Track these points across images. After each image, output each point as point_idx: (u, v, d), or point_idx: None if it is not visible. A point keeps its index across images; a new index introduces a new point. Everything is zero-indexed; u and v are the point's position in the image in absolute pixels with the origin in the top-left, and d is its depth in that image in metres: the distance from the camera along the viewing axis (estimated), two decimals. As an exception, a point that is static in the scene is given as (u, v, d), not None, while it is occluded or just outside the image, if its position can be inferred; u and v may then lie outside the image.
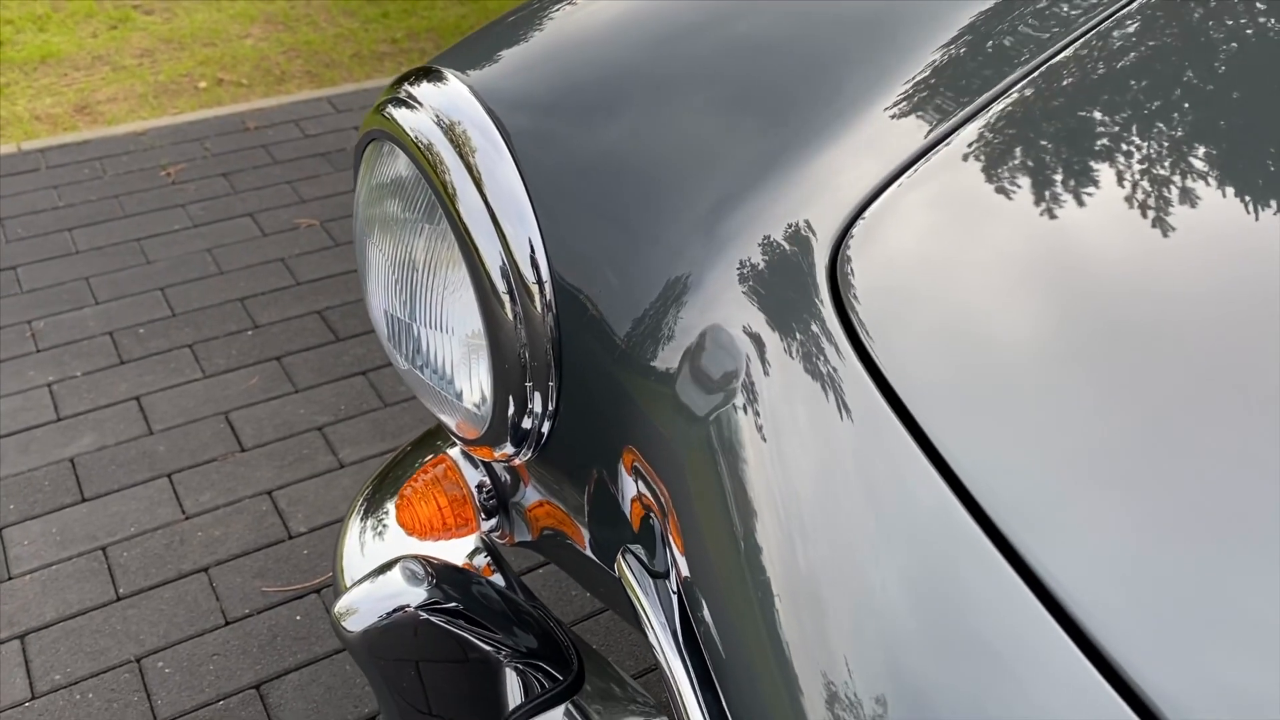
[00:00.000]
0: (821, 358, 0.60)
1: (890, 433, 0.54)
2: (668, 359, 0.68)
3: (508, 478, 0.95)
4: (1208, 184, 0.62)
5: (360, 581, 0.78)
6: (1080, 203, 0.62)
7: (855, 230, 0.65)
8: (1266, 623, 0.42)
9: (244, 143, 2.90)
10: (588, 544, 0.84)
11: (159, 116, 3.08)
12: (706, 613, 0.59)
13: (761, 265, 0.67)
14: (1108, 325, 0.55)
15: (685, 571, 0.61)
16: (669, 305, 0.69)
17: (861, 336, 0.59)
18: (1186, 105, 0.68)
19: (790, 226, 0.67)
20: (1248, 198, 0.60)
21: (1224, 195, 0.61)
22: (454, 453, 0.97)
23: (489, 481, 0.95)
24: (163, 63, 3.45)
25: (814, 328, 0.62)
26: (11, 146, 2.88)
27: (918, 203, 0.67)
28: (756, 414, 0.61)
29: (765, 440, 0.60)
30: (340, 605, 0.77)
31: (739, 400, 0.63)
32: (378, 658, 0.78)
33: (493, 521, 0.95)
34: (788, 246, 0.66)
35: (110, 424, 1.90)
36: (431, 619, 0.78)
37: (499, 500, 0.95)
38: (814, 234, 0.66)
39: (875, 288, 0.63)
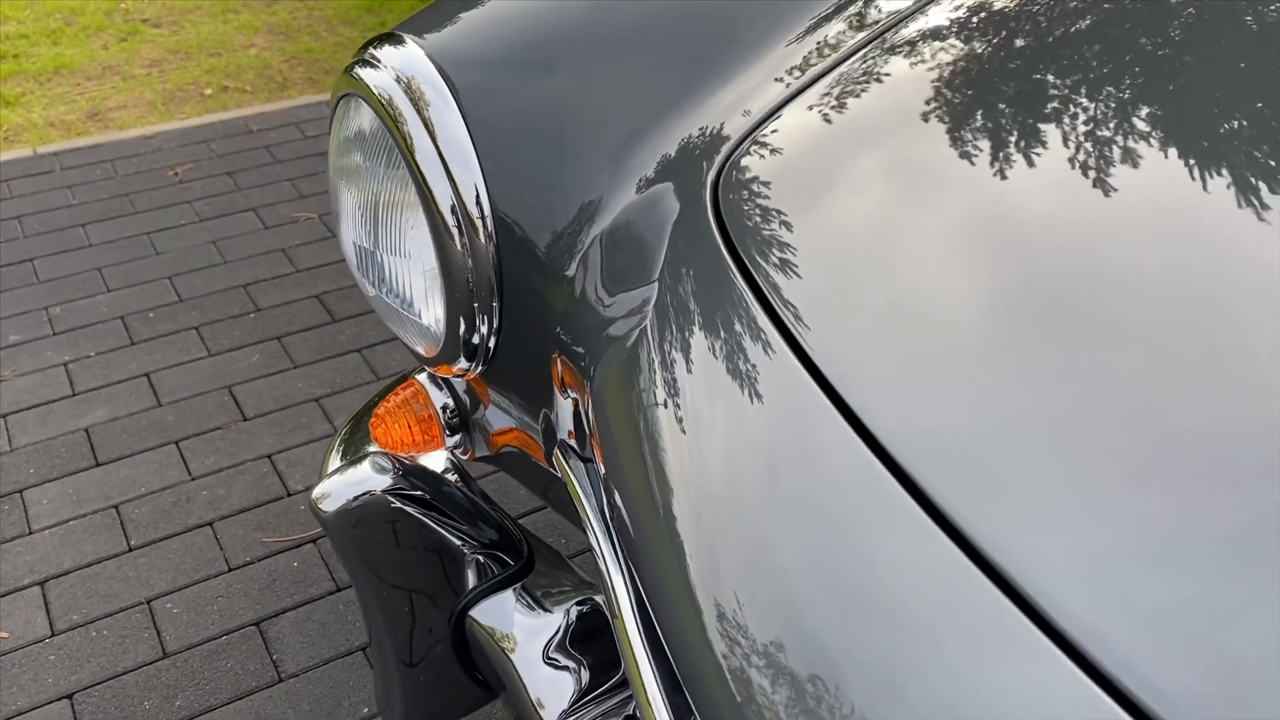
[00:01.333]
0: (703, 266, 0.73)
1: (761, 331, 0.64)
2: (579, 273, 0.82)
3: (468, 400, 1.08)
4: (1079, 109, 0.74)
5: (335, 471, 0.92)
6: (947, 132, 0.74)
7: (736, 157, 0.79)
8: (1176, 553, 0.44)
9: (247, 144, 3.05)
10: (542, 453, 0.97)
11: (167, 121, 3.23)
12: (619, 500, 0.69)
13: (658, 187, 0.80)
14: (977, 240, 0.66)
15: (602, 469, 0.73)
16: (581, 225, 0.82)
17: (738, 246, 0.72)
18: (1075, 52, 0.81)
19: (683, 154, 0.81)
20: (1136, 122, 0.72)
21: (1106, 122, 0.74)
22: (422, 377, 1.10)
23: (453, 403, 1.08)
24: (170, 72, 3.61)
25: (699, 241, 0.75)
26: (27, 150, 3.04)
27: (790, 135, 0.80)
28: (650, 322, 0.74)
29: (657, 345, 0.72)
30: (317, 490, 0.90)
31: (636, 308, 0.75)
32: (350, 539, 0.91)
33: (456, 438, 1.08)
34: (680, 170, 0.80)
35: (122, 398, 2.04)
36: (396, 503, 0.91)
37: (461, 419, 1.08)
38: (703, 159, 0.80)
39: (750, 204, 0.76)
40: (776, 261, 0.71)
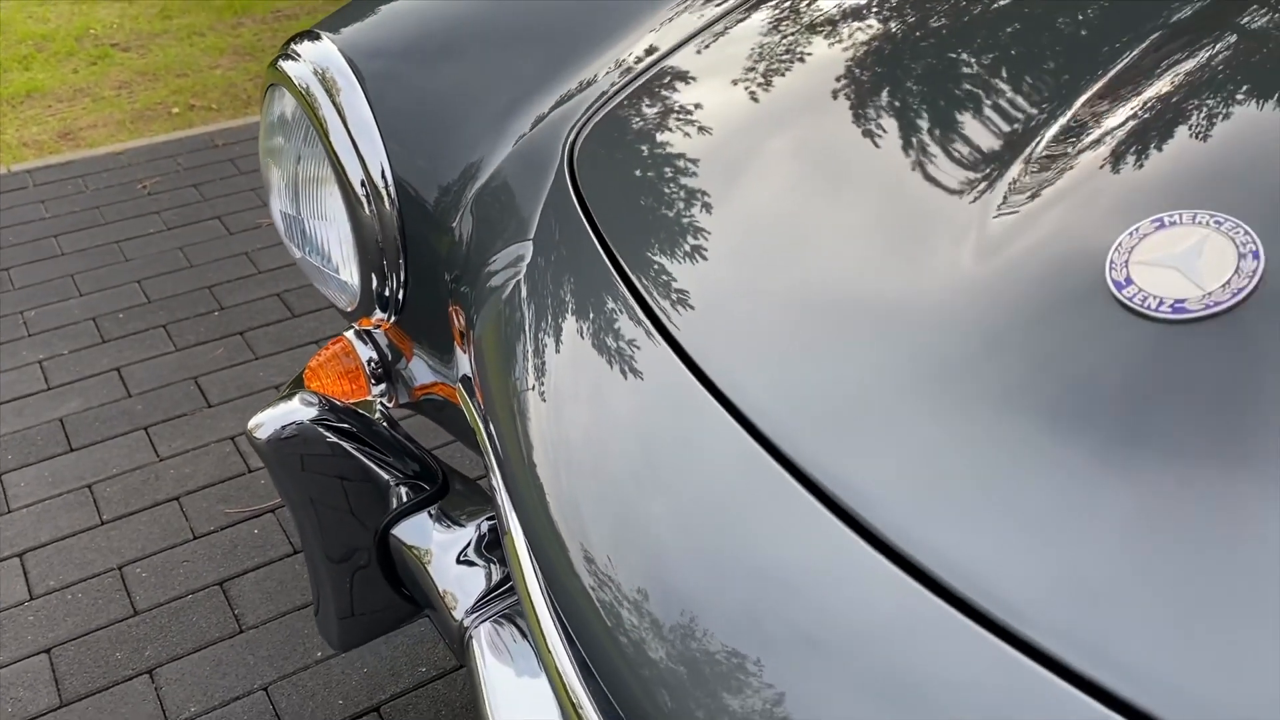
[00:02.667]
0: (560, 216, 0.89)
1: (599, 269, 0.78)
2: (460, 229, 0.97)
3: (391, 354, 1.23)
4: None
5: (269, 406, 1.06)
6: (805, 99, 0.86)
7: (591, 122, 0.94)
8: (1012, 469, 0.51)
9: (213, 158, 3.20)
10: (455, 397, 1.12)
11: (136, 139, 3.38)
12: (497, 436, 0.83)
13: (527, 149, 0.96)
14: (791, 190, 0.81)
15: (483, 409, 0.87)
16: (465, 184, 0.98)
17: (589, 201, 0.87)
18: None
19: (551, 119, 0.97)
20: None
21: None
22: (349, 334, 1.25)
23: (376, 356, 1.23)
24: (139, 93, 3.76)
25: (557, 196, 0.90)
26: (1, 169, 3.17)
27: (650, 94, 0.95)
28: (516, 270, 0.89)
29: (519, 292, 0.85)
30: (251, 422, 1.05)
31: (507, 260, 0.90)
32: (282, 466, 1.06)
33: (381, 387, 1.23)
34: (547, 133, 0.96)
35: (94, 390, 2.18)
36: (323, 433, 1.05)
37: (385, 370, 1.23)
38: (564, 124, 0.95)
39: (602, 162, 0.91)
40: (623, 213, 0.86)
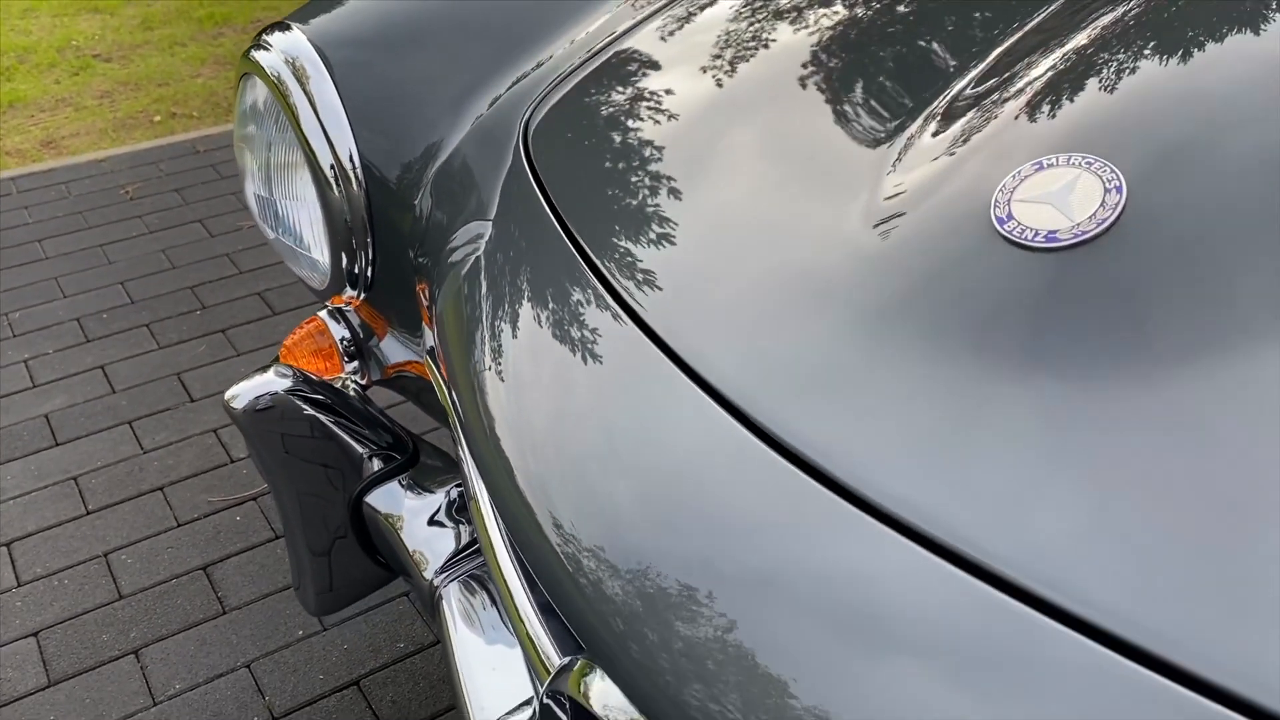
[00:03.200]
0: (516, 192, 0.94)
1: (553, 240, 0.84)
2: (422, 207, 1.03)
3: (364, 332, 1.28)
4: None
5: (244, 378, 1.12)
6: (750, 75, 0.93)
7: (547, 101, 1.00)
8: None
9: (194, 164, 3.25)
10: (425, 373, 1.17)
11: (118, 146, 3.42)
12: (460, 407, 0.88)
13: (485, 127, 1.02)
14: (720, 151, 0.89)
15: (446, 379, 0.92)
16: (427, 165, 1.04)
17: (540, 172, 0.93)
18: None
19: (508, 98, 1.03)
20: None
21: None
22: (324, 314, 1.30)
23: (349, 334, 1.28)
24: (121, 102, 3.81)
25: (513, 173, 0.96)
26: (-15, 177, 3.22)
27: (595, 81, 1.01)
28: (475, 247, 0.94)
29: (478, 267, 0.91)
30: (228, 393, 1.10)
31: (465, 234, 0.96)
32: (257, 435, 1.11)
33: (354, 364, 1.29)
34: (504, 112, 1.01)
35: (79, 387, 2.23)
36: (297, 404, 1.11)
37: (358, 348, 1.28)
38: (521, 103, 1.01)
39: (555, 139, 0.97)
40: (576, 186, 0.91)
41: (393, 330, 1.23)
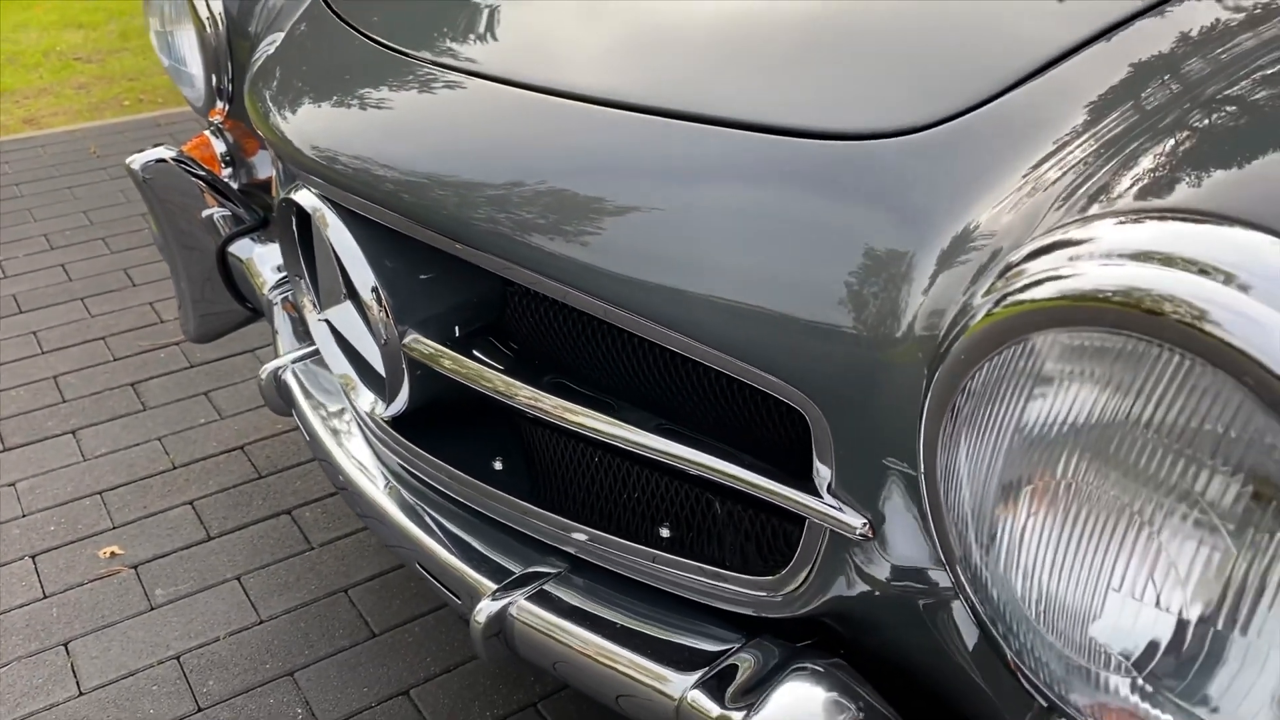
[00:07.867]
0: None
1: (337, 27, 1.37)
2: (258, 30, 1.53)
3: (238, 148, 1.78)
4: None
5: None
6: None
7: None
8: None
9: (155, 134, 3.77)
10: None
11: (90, 122, 3.94)
12: (280, 135, 1.40)
13: (301, -31, 1.52)
14: None
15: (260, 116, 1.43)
16: (263, 4, 1.54)
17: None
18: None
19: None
20: None
21: None
22: (207, 132, 1.79)
23: (226, 148, 1.77)
24: (96, 92, 4.33)
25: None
26: (-27, 143, 3.73)
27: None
28: (272, 43, 1.45)
29: (266, 56, 1.43)
30: (129, 158, 1.59)
31: (268, 43, 1.46)
32: (152, 192, 1.60)
33: (229, 170, 1.78)
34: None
35: (41, 276, 2.70)
36: (180, 170, 1.60)
37: (233, 158, 1.78)
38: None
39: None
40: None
41: (261, 150, 1.72)
